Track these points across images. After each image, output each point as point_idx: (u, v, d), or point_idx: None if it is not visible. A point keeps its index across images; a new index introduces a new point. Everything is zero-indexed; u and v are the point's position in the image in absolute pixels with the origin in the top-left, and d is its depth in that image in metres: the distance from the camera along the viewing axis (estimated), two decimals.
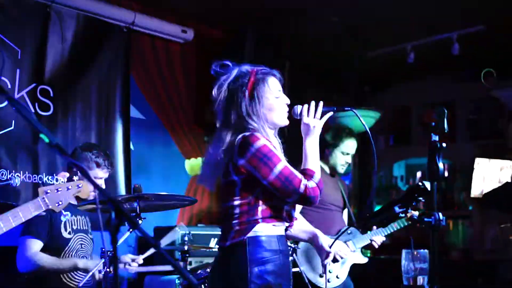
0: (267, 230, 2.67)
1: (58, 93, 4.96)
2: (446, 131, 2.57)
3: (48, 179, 4.77)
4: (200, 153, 6.31)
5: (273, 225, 2.69)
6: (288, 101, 2.81)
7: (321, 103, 2.79)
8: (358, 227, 4.35)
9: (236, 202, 2.67)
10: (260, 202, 2.67)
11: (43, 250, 3.60)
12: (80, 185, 2.97)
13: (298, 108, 2.81)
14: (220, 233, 2.74)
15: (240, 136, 2.65)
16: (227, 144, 2.67)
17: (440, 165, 2.57)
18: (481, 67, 6.08)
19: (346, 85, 7.22)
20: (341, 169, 4.63)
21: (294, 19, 6.03)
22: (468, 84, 7.27)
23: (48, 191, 2.85)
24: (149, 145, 5.91)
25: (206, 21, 6.03)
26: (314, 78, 7.20)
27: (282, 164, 2.63)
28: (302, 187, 2.60)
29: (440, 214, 2.58)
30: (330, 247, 3.10)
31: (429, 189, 2.65)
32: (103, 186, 3.89)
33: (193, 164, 6.26)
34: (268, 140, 2.67)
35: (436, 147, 2.57)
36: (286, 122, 2.79)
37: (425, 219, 2.62)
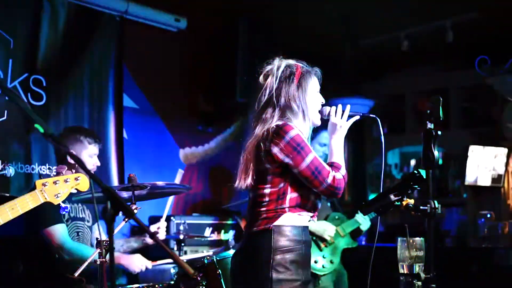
0: (292, 219, 2.75)
1: (51, 83, 4.93)
2: (441, 119, 2.57)
3: (40, 169, 4.76)
4: (194, 142, 6.30)
5: (299, 214, 2.77)
6: (323, 101, 2.92)
7: (348, 107, 2.91)
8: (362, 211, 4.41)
9: (267, 190, 2.76)
10: (289, 191, 2.76)
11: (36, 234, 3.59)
12: (78, 178, 2.94)
13: (327, 109, 2.91)
14: (250, 219, 2.80)
15: (274, 124, 2.75)
16: (262, 133, 2.77)
17: (435, 152, 2.57)
18: (475, 55, 6.06)
19: (340, 73, 7.20)
20: None
21: (288, 7, 6.00)
22: (462, 72, 7.26)
23: (46, 183, 2.82)
24: (142, 134, 5.89)
25: (199, 9, 6.00)
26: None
27: (312, 154, 2.73)
28: (330, 177, 2.72)
29: (436, 202, 2.58)
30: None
31: (424, 177, 2.64)
32: (98, 163, 3.94)
33: (187, 153, 6.25)
34: (300, 131, 2.76)
35: (432, 134, 2.56)
36: (318, 122, 2.91)
37: (421, 207, 2.62)
